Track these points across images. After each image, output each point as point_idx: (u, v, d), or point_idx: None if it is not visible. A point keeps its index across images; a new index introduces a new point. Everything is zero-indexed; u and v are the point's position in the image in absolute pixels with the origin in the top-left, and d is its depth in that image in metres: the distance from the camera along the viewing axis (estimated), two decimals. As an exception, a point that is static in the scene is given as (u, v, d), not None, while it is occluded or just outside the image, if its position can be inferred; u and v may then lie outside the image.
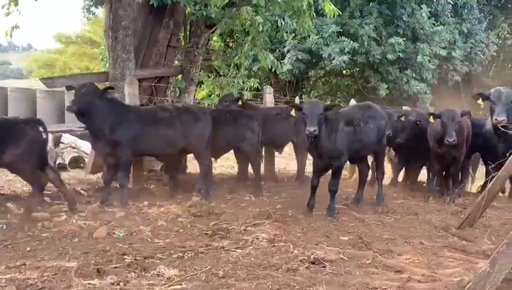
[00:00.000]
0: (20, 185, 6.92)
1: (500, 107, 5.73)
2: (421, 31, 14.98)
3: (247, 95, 10.77)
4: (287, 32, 9.00)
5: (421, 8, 14.86)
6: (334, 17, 8.09)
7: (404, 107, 10.66)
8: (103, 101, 5.68)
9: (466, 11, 16.41)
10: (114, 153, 5.70)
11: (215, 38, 10.79)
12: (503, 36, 18.14)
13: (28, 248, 4.13)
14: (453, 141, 5.92)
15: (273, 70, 9.72)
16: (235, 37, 10.62)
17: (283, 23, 8.12)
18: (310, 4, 7.47)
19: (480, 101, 6.11)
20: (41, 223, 4.84)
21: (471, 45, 16.24)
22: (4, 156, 4.89)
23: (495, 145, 6.29)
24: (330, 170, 5.59)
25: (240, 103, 7.53)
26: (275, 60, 9.40)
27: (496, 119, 5.66)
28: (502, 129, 5.52)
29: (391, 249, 4.32)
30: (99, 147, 5.87)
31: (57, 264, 3.66)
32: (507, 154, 4.76)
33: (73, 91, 5.90)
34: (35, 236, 4.50)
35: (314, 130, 4.98)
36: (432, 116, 6.38)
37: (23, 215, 5.01)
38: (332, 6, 7.64)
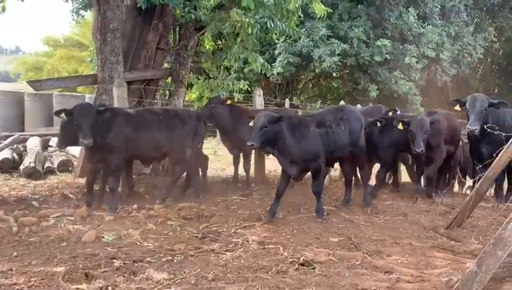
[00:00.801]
0: (7, 189, 6.85)
1: (474, 116, 5.76)
2: (409, 32, 15.14)
3: (237, 97, 10.74)
4: (276, 34, 9.01)
5: (409, 11, 15.03)
6: (324, 16, 8.12)
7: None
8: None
9: (454, 14, 16.62)
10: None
11: (204, 40, 10.76)
12: (489, 39, 18.38)
13: (15, 253, 4.07)
14: (421, 150, 5.82)
15: (263, 72, 9.73)
16: (225, 39, 10.61)
17: (272, 25, 8.12)
18: (295, 8, 7.49)
19: (457, 107, 6.14)
20: (29, 228, 4.77)
21: (458, 47, 16.45)
22: None
23: (479, 147, 6.34)
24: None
25: (228, 102, 7.44)
26: (265, 63, 9.42)
27: (468, 128, 5.70)
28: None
29: (380, 250, 4.34)
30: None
31: (44, 269, 3.61)
32: (493, 155, 4.81)
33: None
34: (22, 241, 4.44)
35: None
36: (400, 123, 6.12)
37: None
38: (322, 6, 7.67)
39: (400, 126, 6.07)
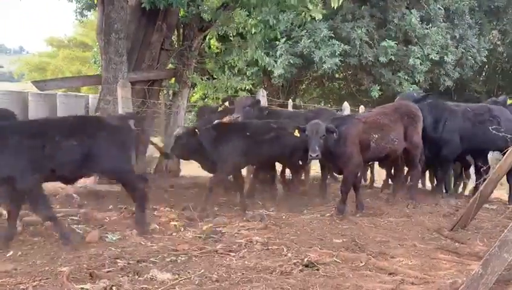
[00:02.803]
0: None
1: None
2: (413, 33, 15.10)
3: (242, 95, 10.78)
4: (280, 32, 9.02)
5: (411, 13, 15.00)
6: (328, 15, 8.04)
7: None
8: None
9: (458, 16, 16.57)
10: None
11: (208, 40, 10.79)
12: (494, 42, 18.31)
13: (20, 252, 4.08)
14: (317, 155, 5.40)
15: (269, 69, 9.75)
16: (229, 39, 10.64)
17: (275, 22, 8.11)
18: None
19: (296, 133, 5.67)
20: (33, 227, 4.79)
21: (462, 50, 16.39)
22: None
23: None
24: None
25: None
26: (271, 61, 9.46)
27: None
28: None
29: (384, 251, 4.34)
30: None
31: (49, 269, 3.62)
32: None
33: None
34: (27, 240, 4.45)
35: None
36: (296, 130, 5.67)
37: None
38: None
39: (297, 133, 5.66)
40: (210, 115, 7.07)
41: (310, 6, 7.53)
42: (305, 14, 7.82)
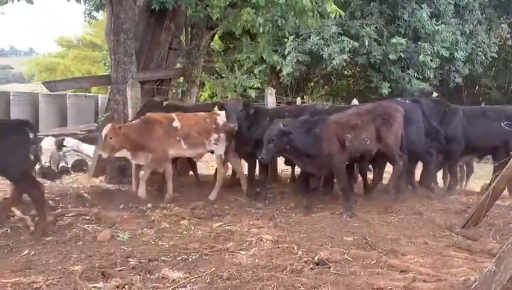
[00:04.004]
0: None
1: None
2: (422, 30, 14.97)
3: (251, 93, 10.80)
4: (288, 31, 9.02)
5: (421, 8, 14.87)
6: (335, 17, 8.06)
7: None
8: None
9: (467, 12, 16.38)
10: None
11: (216, 39, 10.82)
12: (504, 37, 18.08)
13: (33, 252, 4.14)
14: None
15: (278, 68, 9.76)
16: (237, 38, 10.65)
17: (284, 22, 8.11)
18: (312, 6, 7.45)
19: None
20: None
21: (472, 46, 16.22)
22: None
23: None
24: None
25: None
26: (279, 59, 9.46)
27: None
28: None
29: (395, 249, 4.30)
30: None
31: (61, 268, 3.68)
32: None
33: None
34: (40, 240, 4.51)
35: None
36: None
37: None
38: (335, 6, 7.62)
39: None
40: (153, 110, 6.74)
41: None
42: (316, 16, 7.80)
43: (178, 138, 6.11)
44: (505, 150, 6.61)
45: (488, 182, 7.19)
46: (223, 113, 6.29)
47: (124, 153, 5.98)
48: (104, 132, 5.73)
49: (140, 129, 5.95)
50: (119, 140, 5.77)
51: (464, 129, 6.86)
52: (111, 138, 5.71)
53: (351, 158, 5.87)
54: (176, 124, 6.12)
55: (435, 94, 8.68)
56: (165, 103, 7.24)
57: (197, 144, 6.24)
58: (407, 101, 6.73)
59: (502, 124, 6.58)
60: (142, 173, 6.25)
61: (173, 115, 6.26)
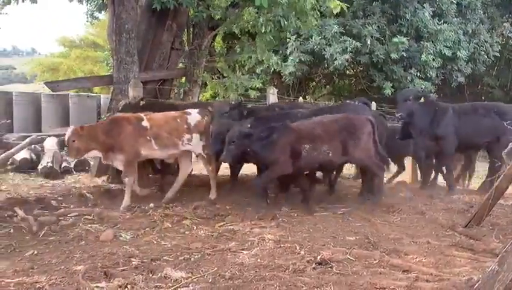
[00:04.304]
0: (26, 188, 6.96)
1: None
2: (425, 29, 14.95)
3: (253, 94, 10.81)
4: (290, 32, 9.02)
5: (424, 7, 14.84)
6: (337, 13, 8.03)
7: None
8: None
9: (470, 11, 16.35)
10: None
11: (218, 39, 10.83)
12: (506, 36, 18.03)
13: (36, 252, 4.15)
14: None
15: (277, 70, 9.77)
16: (238, 38, 10.67)
17: (286, 23, 8.11)
18: (314, 5, 7.45)
19: None
20: (48, 227, 4.85)
21: (475, 45, 16.19)
22: None
23: None
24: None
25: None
26: (279, 61, 9.46)
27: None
28: None
29: (398, 248, 4.30)
30: None
31: (64, 268, 3.68)
32: None
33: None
34: (42, 240, 4.52)
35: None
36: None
37: None
38: (338, 1, 7.60)
39: None
40: (131, 111, 6.61)
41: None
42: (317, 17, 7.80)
43: (148, 138, 5.85)
44: (499, 145, 6.66)
45: (483, 180, 7.23)
46: (194, 112, 6.15)
47: (95, 154, 5.85)
48: (67, 135, 5.58)
49: (107, 129, 5.73)
50: (83, 142, 5.57)
51: (454, 127, 6.90)
52: (74, 141, 5.54)
53: (308, 168, 5.76)
54: (145, 123, 5.87)
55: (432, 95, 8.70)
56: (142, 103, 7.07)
57: (167, 144, 5.95)
58: (356, 103, 6.76)
59: (505, 124, 6.57)
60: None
61: (142, 114, 6.02)
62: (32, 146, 9.62)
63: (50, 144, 9.67)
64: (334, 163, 5.81)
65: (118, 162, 5.86)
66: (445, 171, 7.39)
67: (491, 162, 7.04)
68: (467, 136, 6.94)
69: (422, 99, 6.98)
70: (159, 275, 3.56)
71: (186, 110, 6.26)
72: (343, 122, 5.70)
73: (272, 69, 9.66)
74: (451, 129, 6.91)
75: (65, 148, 7.24)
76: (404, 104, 6.82)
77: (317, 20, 7.87)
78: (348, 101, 7.21)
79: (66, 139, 5.60)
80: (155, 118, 6.02)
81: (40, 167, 8.20)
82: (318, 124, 5.69)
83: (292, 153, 5.50)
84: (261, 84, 11.31)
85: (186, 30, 9.21)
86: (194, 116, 6.14)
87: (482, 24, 16.58)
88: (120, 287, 3.32)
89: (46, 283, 3.35)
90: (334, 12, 7.70)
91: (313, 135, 5.56)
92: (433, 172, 7.43)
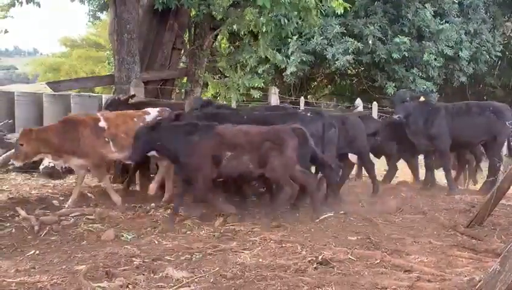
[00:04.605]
0: (27, 188, 6.96)
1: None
2: (427, 29, 14.93)
3: (255, 94, 10.80)
4: (291, 31, 9.01)
5: (425, 7, 14.83)
6: (340, 13, 8.02)
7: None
8: None
9: (472, 11, 16.33)
10: None
11: (219, 39, 10.84)
12: (508, 35, 18.02)
13: (37, 251, 4.16)
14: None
15: (281, 67, 9.77)
16: (240, 37, 10.67)
17: (287, 22, 8.10)
18: (317, 3, 7.44)
19: None
20: (50, 227, 4.86)
21: (477, 45, 16.16)
22: None
23: None
24: None
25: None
26: (284, 58, 9.47)
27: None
28: None
29: (400, 248, 4.29)
30: None
31: (66, 267, 3.69)
32: None
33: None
34: (44, 239, 4.53)
35: None
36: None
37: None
38: (340, 0, 7.60)
39: None
40: (118, 107, 6.50)
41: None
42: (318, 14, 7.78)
43: (106, 139, 5.56)
44: (495, 143, 6.69)
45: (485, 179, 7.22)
46: (154, 111, 5.93)
47: (49, 158, 5.60)
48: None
49: (61, 132, 5.44)
50: (33, 146, 5.27)
51: (448, 126, 6.89)
52: (22, 144, 5.24)
53: (227, 176, 5.36)
54: (103, 124, 5.58)
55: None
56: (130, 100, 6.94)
57: (125, 145, 5.53)
58: (308, 114, 6.24)
59: (507, 123, 6.56)
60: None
61: (98, 114, 5.78)
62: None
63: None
64: (251, 174, 5.29)
65: (82, 167, 5.64)
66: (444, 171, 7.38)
67: (491, 162, 7.02)
68: (460, 135, 6.93)
69: (422, 98, 6.98)
70: (161, 275, 3.57)
71: (145, 110, 6.01)
72: (269, 134, 5.21)
73: (275, 67, 9.67)
74: (445, 129, 6.88)
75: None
76: (402, 105, 6.81)
77: (319, 19, 7.85)
78: (299, 111, 7.12)
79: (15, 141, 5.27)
80: (112, 117, 5.76)
81: (41, 167, 8.19)
82: (243, 131, 5.23)
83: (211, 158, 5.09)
84: (262, 84, 11.31)
85: (187, 30, 9.22)
86: (152, 115, 5.86)
87: (484, 24, 16.55)
88: (121, 287, 3.32)
89: (47, 283, 3.35)
90: (337, 11, 7.66)
91: (236, 142, 5.13)
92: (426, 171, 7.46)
